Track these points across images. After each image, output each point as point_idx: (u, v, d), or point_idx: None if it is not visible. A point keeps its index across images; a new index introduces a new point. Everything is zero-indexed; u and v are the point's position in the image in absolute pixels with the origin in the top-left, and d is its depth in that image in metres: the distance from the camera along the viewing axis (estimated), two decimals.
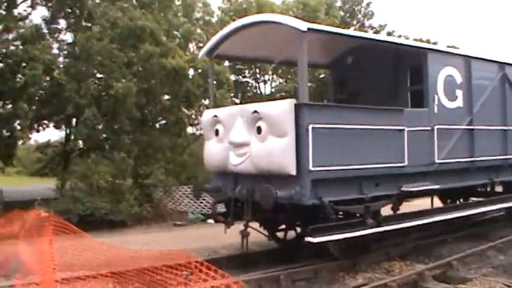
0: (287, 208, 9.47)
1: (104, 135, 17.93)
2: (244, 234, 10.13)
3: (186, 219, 18.21)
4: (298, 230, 12.09)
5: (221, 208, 11.57)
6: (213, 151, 10.62)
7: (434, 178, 11.01)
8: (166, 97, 19.74)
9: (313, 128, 8.81)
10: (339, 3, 33.50)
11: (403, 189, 10.43)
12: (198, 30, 25.53)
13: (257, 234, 10.96)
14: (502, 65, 12.69)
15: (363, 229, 9.64)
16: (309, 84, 29.07)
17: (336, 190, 9.35)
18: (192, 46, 25.06)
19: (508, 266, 9.98)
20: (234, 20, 28.38)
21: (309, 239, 9.00)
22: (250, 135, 9.55)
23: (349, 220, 9.71)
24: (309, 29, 8.96)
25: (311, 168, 8.79)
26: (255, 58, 13.80)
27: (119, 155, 16.44)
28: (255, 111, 9.37)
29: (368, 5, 33.59)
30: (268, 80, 30.09)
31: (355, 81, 12.99)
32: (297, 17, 28.92)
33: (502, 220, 14.24)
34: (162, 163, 18.18)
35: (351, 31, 10.19)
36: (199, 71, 19.31)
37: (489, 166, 12.30)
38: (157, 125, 20.81)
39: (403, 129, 10.17)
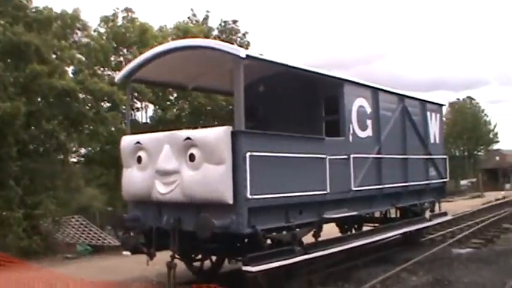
0: (219, 238, 9.25)
1: None
2: (171, 266, 9.71)
3: (74, 251, 17.08)
4: (213, 259, 11.95)
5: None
6: (134, 179, 10.10)
7: (350, 205, 11.39)
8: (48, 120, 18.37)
9: (250, 155, 8.73)
10: (215, 32, 33.77)
11: (325, 216, 10.67)
12: (78, 55, 24.38)
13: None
14: (401, 97, 13.55)
15: (293, 256, 9.66)
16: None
17: (266, 218, 9.33)
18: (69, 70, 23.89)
19: (423, 286, 10.53)
20: (112, 44, 27.72)
21: (247, 268, 8.83)
22: (181, 163, 9.23)
23: (278, 248, 9.69)
24: (247, 55, 8.91)
25: (248, 196, 8.69)
26: (171, 83, 13.42)
27: (7, 183, 15.02)
28: (188, 138, 9.08)
29: (244, 35, 34.18)
30: (141, 107, 29.17)
31: (265, 110, 13.10)
32: None
33: (399, 244, 15.00)
34: (52, 192, 16.93)
35: (284, 60, 10.21)
36: (89, 94, 18.31)
37: (392, 193, 12.97)
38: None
39: (325, 158, 10.43)
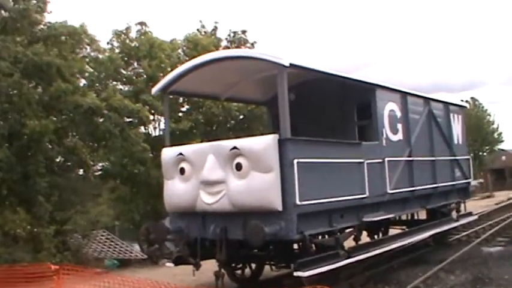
0: (267, 245, 9.41)
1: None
2: (219, 275, 9.84)
3: (102, 266, 17.14)
4: (253, 267, 12.08)
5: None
6: (178, 191, 10.23)
7: (386, 207, 11.56)
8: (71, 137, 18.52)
9: (297, 162, 8.88)
10: (224, 43, 33.99)
11: (364, 219, 10.82)
12: (90, 69, 24.56)
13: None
14: (427, 100, 13.74)
15: (339, 260, 9.80)
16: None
17: (312, 223, 9.45)
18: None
19: (464, 283, 10.70)
20: (123, 57, 27.85)
21: (298, 273, 8.93)
22: (227, 173, 9.37)
23: (324, 253, 9.81)
24: (290, 64, 9.08)
25: (297, 202, 8.82)
26: (206, 94, 13.59)
27: (36, 200, 15.13)
28: (234, 148, 9.23)
29: (253, 44, 34.44)
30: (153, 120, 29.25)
31: (296, 117, 13.22)
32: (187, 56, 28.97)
33: (428, 245, 15.13)
34: (79, 207, 17.06)
35: (321, 67, 10.42)
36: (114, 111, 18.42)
37: (423, 194, 13.13)
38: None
39: (363, 162, 10.60)
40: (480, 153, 53.88)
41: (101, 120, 17.92)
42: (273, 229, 8.81)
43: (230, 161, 9.29)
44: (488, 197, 38.32)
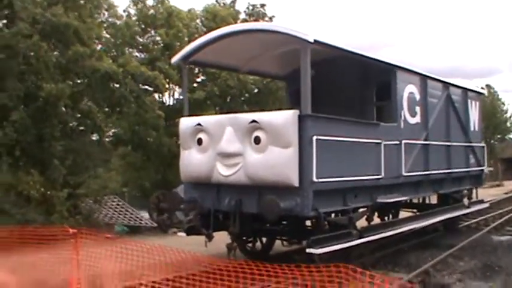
0: (281, 220, 9.46)
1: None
2: (231, 247, 9.92)
3: (112, 231, 17.28)
4: (264, 241, 12.15)
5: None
6: (194, 161, 10.24)
7: (400, 190, 11.53)
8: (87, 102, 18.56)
9: (317, 139, 8.86)
10: (243, 15, 33.71)
11: (379, 200, 10.81)
12: (106, 34, 24.50)
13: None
14: (447, 85, 13.61)
15: (352, 239, 9.83)
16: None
17: (327, 201, 9.46)
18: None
19: (473, 270, 10.69)
20: (140, 25, 27.75)
21: (311, 250, 8.96)
22: (245, 146, 9.36)
23: (337, 231, 9.84)
24: (315, 40, 9.00)
25: (314, 179, 8.81)
26: (226, 66, 13.50)
27: (51, 163, 15.21)
28: (254, 121, 9.20)
29: (271, 18, 34.13)
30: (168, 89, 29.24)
31: (314, 94, 13.17)
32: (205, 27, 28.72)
33: (438, 230, 15.12)
34: (93, 172, 17.17)
35: (351, 47, 10.33)
36: (130, 76, 18.39)
37: (437, 179, 13.09)
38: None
39: (381, 143, 10.55)
40: (491, 141, 53.40)
41: (117, 86, 17.89)
42: (289, 204, 8.82)
43: (248, 134, 9.27)
44: (498, 185, 38.20)
